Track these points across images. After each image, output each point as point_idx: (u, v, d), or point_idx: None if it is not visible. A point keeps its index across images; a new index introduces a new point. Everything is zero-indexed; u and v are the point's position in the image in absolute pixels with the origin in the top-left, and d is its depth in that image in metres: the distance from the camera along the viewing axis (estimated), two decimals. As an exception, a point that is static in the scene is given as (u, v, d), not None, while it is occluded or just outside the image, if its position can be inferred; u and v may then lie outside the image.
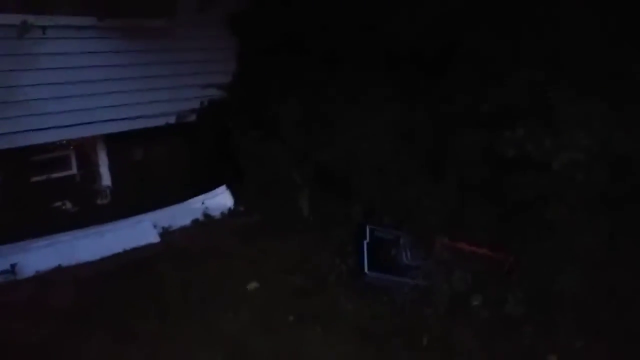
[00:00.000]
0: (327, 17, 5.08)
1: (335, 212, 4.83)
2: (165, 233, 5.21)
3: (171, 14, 5.16)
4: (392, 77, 4.67)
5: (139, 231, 5.15)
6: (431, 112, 4.42)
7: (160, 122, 5.37)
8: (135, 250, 4.85)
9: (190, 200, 5.60)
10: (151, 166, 5.61)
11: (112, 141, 5.24)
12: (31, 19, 4.07)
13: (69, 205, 5.16)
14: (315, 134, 5.00)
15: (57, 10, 4.15)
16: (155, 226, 5.23)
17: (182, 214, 5.46)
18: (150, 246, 5.02)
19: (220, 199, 5.72)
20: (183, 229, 5.36)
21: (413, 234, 4.35)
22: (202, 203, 5.56)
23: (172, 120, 5.46)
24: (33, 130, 4.51)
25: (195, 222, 5.45)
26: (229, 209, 5.66)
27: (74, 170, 5.20)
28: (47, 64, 4.42)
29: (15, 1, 4.06)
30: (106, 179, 5.37)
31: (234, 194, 5.69)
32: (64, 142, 4.94)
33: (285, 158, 5.27)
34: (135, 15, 4.89)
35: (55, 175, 5.04)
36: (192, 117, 5.62)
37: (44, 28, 4.18)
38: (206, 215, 5.53)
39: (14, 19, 4.06)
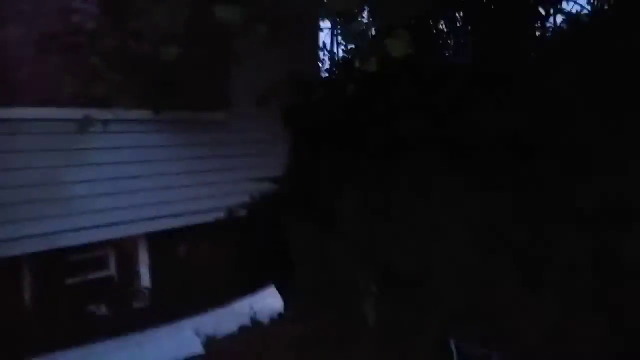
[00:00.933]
0: (391, 104, 4.83)
1: (406, 323, 4.22)
2: (209, 342, 4.64)
3: (226, 107, 4.98)
4: (467, 164, 4.27)
5: (180, 341, 4.58)
6: (520, 204, 3.95)
7: (208, 218, 4.99)
8: (176, 364, 4.29)
9: (237, 304, 5.06)
10: (195, 265, 5.15)
11: (155, 237, 4.84)
12: (93, 113, 3.86)
13: (104, 309, 4.66)
14: (380, 230, 4.53)
15: (116, 103, 3.93)
16: (198, 334, 4.67)
17: (227, 320, 4.89)
18: (193, 359, 4.44)
19: (270, 302, 5.17)
20: (229, 337, 4.77)
21: (506, 351, 3.71)
22: (251, 307, 5.01)
23: (221, 215, 5.08)
24: (75, 230, 4.14)
25: (243, 329, 4.87)
26: (279, 314, 5.10)
27: (112, 271, 4.76)
28: (101, 159, 4.17)
29: (75, 95, 3.87)
30: (146, 280, 4.91)
31: (285, 296, 5.15)
32: (104, 240, 4.57)
33: (345, 257, 4.77)
34: (191, 108, 4.70)
35: (91, 276, 4.60)
36: (242, 212, 5.25)
37: (104, 122, 3.95)
38: (254, 322, 4.95)
39: (75, 113, 3.85)
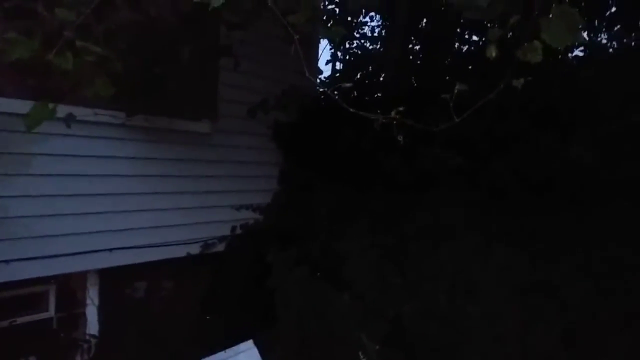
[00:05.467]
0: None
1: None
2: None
3: (212, 117, 4.11)
4: (500, 205, 3.56)
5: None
6: (559, 262, 3.26)
7: (178, 252, 4.05)
8: None
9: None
10: (156, 309, 4.17)
11: (108, 273, 3.86)
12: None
13: (34, 363, 3.63)
14: (389, 279, 3.73)
15: (76, 99, 2.99)
16: (154, 400, 3.70)
17: (191, 381, 3.94)
18: None
19: (245, 359, 4.24)
20: (192, 405, 3.81)
21: None
22: (222, 365, 4.07)
23: (194, 250, 4.15)
24: (8, 261, 3.15)
25: (211, 394, 3.92)
26: (256, 375, 4.17)
27: (50, 312, 3.74)
28: (45, 168, 3.19)
29: (24, 84, 2.90)
30: (93, 326, 3.90)
31: (265, 353, 4.22)
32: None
33: (342, 307, 3.93)
34: (170, 114, 3.81)
35: (23, 319, 3.57)
36: (220, 247, 4.33)
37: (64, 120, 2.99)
38: (226, 384, 4.01)
39: (19, 105, 2.87)
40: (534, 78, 1.81)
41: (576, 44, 4.67)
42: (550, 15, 1.66)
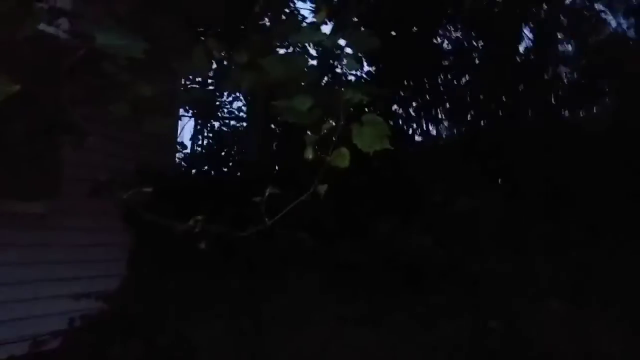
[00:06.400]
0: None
1: None
2: None
3: (50, 197, 3.73)
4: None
5: None
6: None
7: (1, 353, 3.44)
8: None
9: None
10: None
11: None
12: None
13: None
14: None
15: None
16: None
17: None
18: None
19: None
20: None
21: None
22: None
23: (21, 349, 3.55)
24: None
25: None
26: None
27: None
28: None
29: None
30: None
31: None
32: None
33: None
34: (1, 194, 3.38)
35: None
36: (54, 344, 3.77)
37: None
38: None
39: None
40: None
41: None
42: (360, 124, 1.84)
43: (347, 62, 2.24)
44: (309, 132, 1.88)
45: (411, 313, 3.59)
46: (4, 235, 3.46)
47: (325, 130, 1.84)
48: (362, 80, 6.32)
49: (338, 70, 5.18)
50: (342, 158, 1.86)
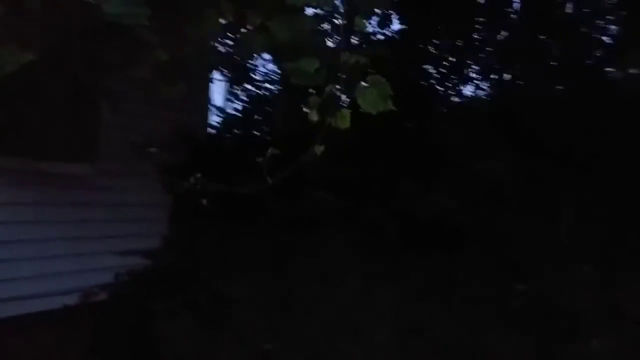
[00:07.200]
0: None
1: None
2: None
3: (91, 159, 3.94)
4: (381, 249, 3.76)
5: None
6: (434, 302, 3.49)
7: (52, 303, 3.76)
8: None
9: None
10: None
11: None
12: None
13: None
14: (285, 326, 3.73)
15: None
16: None
17: None
18: None
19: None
20: None
21: None
22: None
23: (72, 300, 3.87)
24: None
25: None
26: None
27: None
28: None
29: None
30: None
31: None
32: None
33: (231, 353, 3.84)
34: (42, 156, 3.59)
35: None
36: (103, 296, 4.08)
37: None
38: None
39: None
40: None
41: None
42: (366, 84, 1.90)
43: (356, 21, 2.24)
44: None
45: (437, 272, 3.68)
46: (50, 195, 3.70)
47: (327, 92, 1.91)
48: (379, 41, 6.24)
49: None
50: (343, 118, 1.94)
